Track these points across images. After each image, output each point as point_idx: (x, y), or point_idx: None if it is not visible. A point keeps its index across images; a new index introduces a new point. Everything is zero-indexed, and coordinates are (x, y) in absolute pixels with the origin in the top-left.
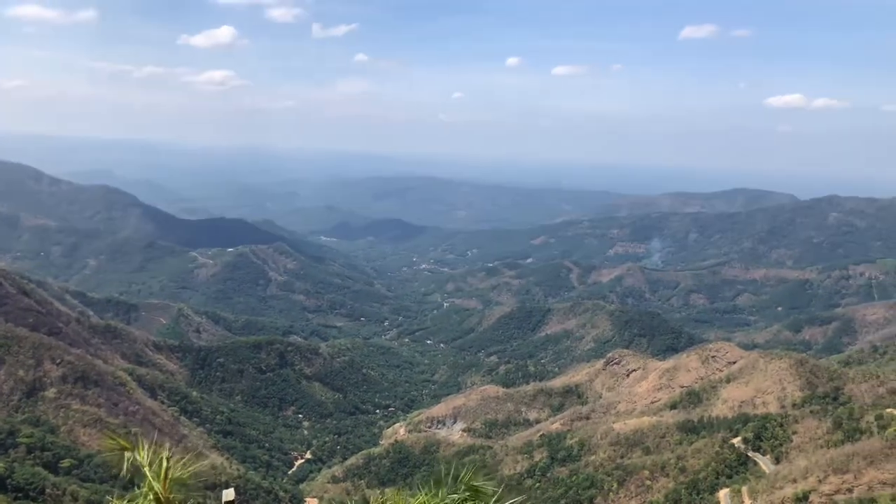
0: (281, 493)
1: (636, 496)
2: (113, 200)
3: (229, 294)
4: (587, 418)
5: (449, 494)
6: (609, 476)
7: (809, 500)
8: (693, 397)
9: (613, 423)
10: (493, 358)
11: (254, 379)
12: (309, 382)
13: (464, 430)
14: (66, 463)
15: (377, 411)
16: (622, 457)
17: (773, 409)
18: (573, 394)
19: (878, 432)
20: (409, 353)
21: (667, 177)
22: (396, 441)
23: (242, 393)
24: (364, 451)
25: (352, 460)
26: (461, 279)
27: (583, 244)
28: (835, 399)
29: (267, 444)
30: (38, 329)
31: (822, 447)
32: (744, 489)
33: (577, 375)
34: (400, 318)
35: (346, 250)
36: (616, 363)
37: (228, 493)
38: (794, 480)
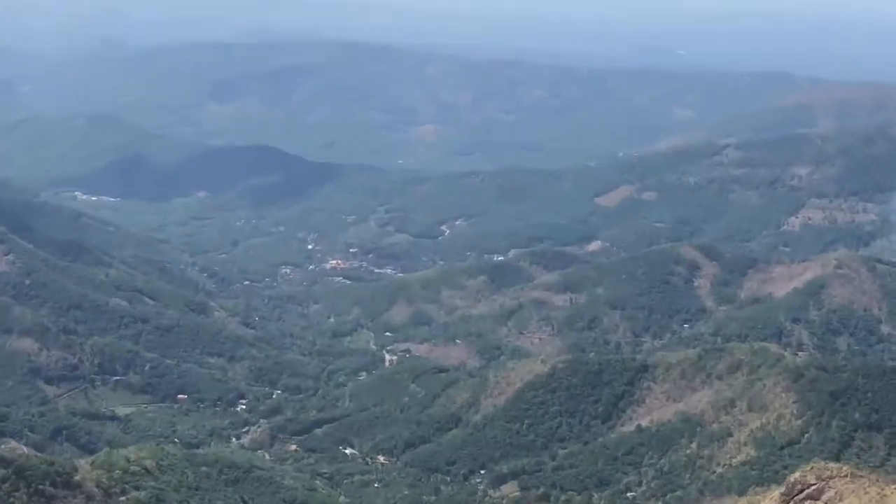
0: None
1: None
2: None
3: None
4: None
5: None
6: None
7: None
8: None
9: None
10: (510, 489)
11: None
12: None
13: None
14: None
15: None
16: None
17: None
18: None
19: None
20: (300, 482)
21: None
22: None
23: None
24: None
25: None
26: (427, 293)
27: (724, 204)
28: None
29: None
30: None
31: None
32: None
33: None
34: (276, 391)
35: (142, 225)
36: (811, 496)
37: None
38: None
